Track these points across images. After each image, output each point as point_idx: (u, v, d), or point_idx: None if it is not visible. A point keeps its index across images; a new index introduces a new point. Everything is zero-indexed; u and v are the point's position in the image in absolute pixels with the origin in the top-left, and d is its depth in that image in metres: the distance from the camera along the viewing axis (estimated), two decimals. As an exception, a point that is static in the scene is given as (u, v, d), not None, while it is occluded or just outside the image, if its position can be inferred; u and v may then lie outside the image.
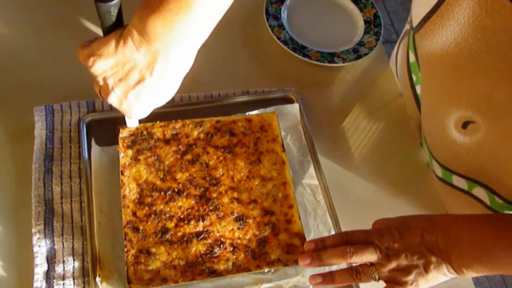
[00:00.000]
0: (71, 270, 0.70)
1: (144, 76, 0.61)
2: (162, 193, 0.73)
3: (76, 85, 0.86)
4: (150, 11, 0.57)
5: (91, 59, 0.62)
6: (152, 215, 0.71)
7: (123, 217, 0.71)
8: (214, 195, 0.74)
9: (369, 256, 0.62)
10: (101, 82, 0.64)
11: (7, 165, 0.77)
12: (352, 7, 1.02)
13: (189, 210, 0.72)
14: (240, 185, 0.76)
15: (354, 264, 0.65)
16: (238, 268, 0.70)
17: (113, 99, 0.65)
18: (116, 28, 0.62)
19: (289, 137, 0.83)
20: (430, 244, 0.60)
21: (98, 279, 0.67)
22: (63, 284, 0.69)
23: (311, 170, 0.81)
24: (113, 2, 0.59)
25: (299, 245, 0.72)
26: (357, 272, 0.63)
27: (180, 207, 0.72)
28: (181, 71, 0.63)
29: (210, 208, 0.73)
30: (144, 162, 0.75)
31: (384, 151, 0.88)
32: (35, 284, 0.68)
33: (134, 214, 0.71)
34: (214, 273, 0.69)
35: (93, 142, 0.77)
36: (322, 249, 0.66)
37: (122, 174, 0.74)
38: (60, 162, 0.77)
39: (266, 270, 0.70)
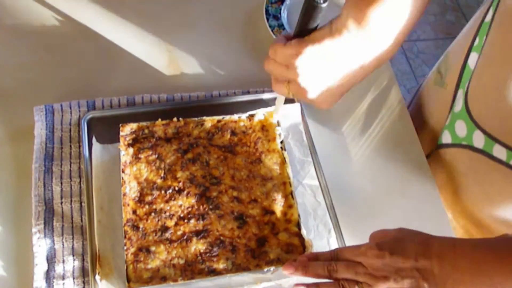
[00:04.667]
0: (71, 270, 0.70)
1: (353, 61, 0.64)
2: (163, 192, 0.73)
3: (76, 84, 0.87)
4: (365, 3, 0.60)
5: (300, 58, 0.63)
6: (152, 214, 0.71)
7: (123, 215, 0.71)
8: (214, 194, 0.74)
9: (352, 275, 0.60)
10: (302, 82, 0.66)
11: (7, 165, 0.77)
12: (352, 7, 1.02)
13: (189, 209, 0.72)
14: (240, 184, 0.75)
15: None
16: (238, 267, 0.70)
17: (313, 94, 0.67)
18: (313, 30, 0.64)
19: (290, 137, 0.83)
20: (424, 269, 0.57)
21: (97, 277, 0.67)
22: (63, 283, 0.69)
23: (312, 170, 0.81)
24: (326, 3, 0.60)
25: (299, 245, 0.72)
26: None
27: (180, 206, 0.72)
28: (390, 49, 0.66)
29: (210, 207, 0.73)
30: (145, 160, 0.75)
31: (384, 152, 0.88)
32: (35, 284, 0.68)
33: (134, 212, 0.71)
34: (213, 272, 0.69)
35: (94, 140, 0.77)
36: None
37: (123, 172, 0.74)
38: (60, 162, 0.77)
39: (265, 269, 0.70)
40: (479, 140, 0.76)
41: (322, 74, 0.65)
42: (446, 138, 0.84)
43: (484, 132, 0.74)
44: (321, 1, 0.60)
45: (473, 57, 0.79)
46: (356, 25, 0.62)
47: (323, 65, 0.64)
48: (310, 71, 0.64)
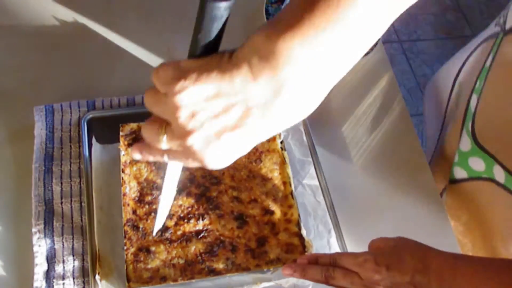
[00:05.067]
0: (71, 270, 0.70)
1: (253, 115, 0.45)
2: (163, 192, 0.73)
3: (76, 85, 0.86)
4: (283, 27, 0.42)
5: (181, 83, 0.44)
6: (152, 214, 0.71)
7: (123, 215, 0.71)
8: (214, 194, 0.74)
9: (348, 284, 0.60)
10: (181, 118, 0.45)
11: (7, 165, 0.77)
12: (352, 7, 1.02)
13: (189, 209, 0.72)
14: (240, 184, 0.75)
15: None
16: (238, 267, 0.70)
17: (195, 140, 0.46)
18: (213, 48, 0.47)
19: (290, 137, 0.83)
20: (420, 285, 0.56)
21: (97, 277, 0.67)
22: (63, 283, 0.69)
23: (312, 170, 0.81)
24: (227, 3, 0.44)
25: (299, 245, 0.72)
26: None
27: (180, 206, 0.72)
28: (304, 111, 0.46)
29: (210, 207, 0.73)
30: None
31: (384, 152, 0.88)
32: (35, 284, 0.68)
33: (134, 212, 0.71)
34: (213, 272, 0.69)
35: (93, 140, 0.77)
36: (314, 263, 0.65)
37: (123, 172, 0.74)
38: (60, 162, 0.77)
39: (265, 269, 0.70)
40: (499, 175, 0.74)
41: (210, 116, 0.45)
42: (460, 173, 0.82)
43: (505, 168, 0.72)
44: None
45: (474, 99, 0.78)
46: (263, 65, 0.43)
47: (211, 106, 0.45)
48: (195, 106, 0.45)
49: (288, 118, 0.46)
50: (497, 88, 0.72)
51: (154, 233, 0.70)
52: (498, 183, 0.75)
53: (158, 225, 0.69)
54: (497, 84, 0.72)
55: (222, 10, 0.44)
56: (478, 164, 0.79)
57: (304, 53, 0.42)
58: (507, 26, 0.70)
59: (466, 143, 0.79)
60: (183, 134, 0.46)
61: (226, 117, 0.45)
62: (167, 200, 0.67)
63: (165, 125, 0.48)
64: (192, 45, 0.47)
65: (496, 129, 0.74)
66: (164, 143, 0.49)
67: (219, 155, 0.48)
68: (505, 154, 0.73)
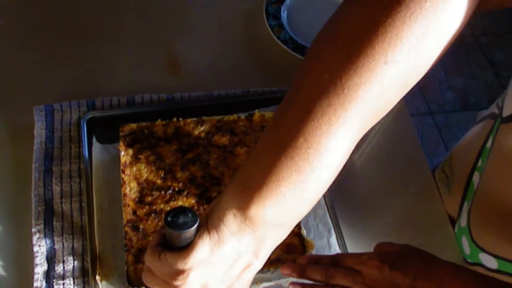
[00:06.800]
0: (71, 270, 0.70)
1: (250, 262, 0.54)
2: (163, 192, 0.73)
3: (76, 85, 0.86)
4: (253, 195, 0.50)
5: (181, 277, 0.52)
6: (153, 214, 0.71)
7: (124, 216, 0.71)
8: (214, 194, 0.74)
9: (348, 283, 0.60)
10: None
11: (7, 165, 0.77)
12: (352, 7, 1.02)
13: (189, 209, 0.72)
14: (241, 185, 0.75)
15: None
16: (238, 267, 0.70)
17: None
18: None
19: (289, 137, 0.83)
20: None
21: (98, 277, 0.67)
22: (63, 283, 0.69)
23: (311, 170, 0.81)
24: (194, 227, 0.51)
25: (299, 245, 0.72)
26: None
27: (180, 207, 0.72)
28: (285, 237, 0.56)
29: (210, 207, 0.73)
30: (145, 160, 0.75)
31: (384, 151, 0.88)
32: (35, 284, 0.68)
33: (134, 213, 0.71)
34: (214, 272, 0.69)
35: (94, 140, 0.77)
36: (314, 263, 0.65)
37: (123, 172, 0.74)
38: (60, 162, 0.77)
39: (265, 269, 0.70)
40: (490, 262, 0.73)
41: (217, 282, 0.54)
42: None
43: (495, 256, 0.72)
44: (180, 223, 0.50)
45: (476, 177, 0.78)
46: (243, 228, 0.52)
47: (213, 273, 0.54)
48: (200, 281, 0.53)
49: (275, 246, 0.56)
50: (494, 177, 0.71)
51: None
52: (488, 269, 0.73)
53: None
54: (493, 171, 0.71)
55: (181, 233, 0.51)
56: (466, 247, 0.78)
57: (274, 214, 0.51)
58: (504, 114, 0.70)
59: (464, 219, 0.77)
60: None
61: (230, 275, 0.54)
62: None
63: None
64: (169, 241, 0.53)
65: (489, 218, 0.72)
66: None
67: None
68: (495, 244, 0.72)
